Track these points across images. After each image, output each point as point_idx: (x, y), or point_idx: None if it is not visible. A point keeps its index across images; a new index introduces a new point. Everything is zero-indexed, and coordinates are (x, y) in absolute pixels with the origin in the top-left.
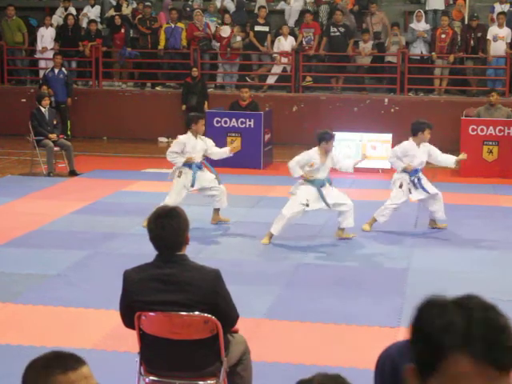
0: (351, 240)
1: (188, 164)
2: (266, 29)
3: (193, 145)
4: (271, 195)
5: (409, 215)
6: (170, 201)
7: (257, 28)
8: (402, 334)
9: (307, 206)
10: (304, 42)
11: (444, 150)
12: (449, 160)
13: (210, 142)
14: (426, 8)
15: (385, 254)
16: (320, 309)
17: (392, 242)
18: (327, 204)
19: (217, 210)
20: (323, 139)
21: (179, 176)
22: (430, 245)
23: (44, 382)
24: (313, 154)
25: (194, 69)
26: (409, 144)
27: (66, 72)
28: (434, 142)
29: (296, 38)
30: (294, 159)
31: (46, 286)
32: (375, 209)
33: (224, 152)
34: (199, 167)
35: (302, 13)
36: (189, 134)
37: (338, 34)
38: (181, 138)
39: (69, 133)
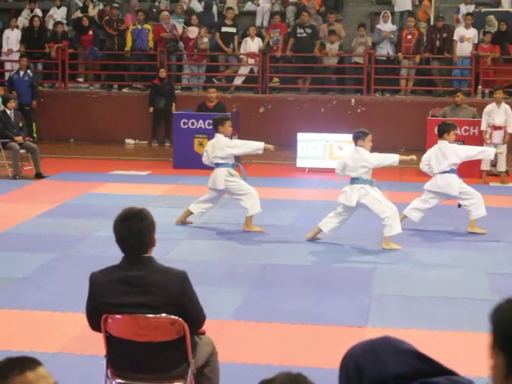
0: (319, 240)
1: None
2: (234, 30)
3: None
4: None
5: (376, 215)
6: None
7: (224, 29)
8: (368, 333)
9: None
10: (271, 43)
11: (410, 149)
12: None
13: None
14: (395, 9)
15: (352, 253)
16: (287, 309)
17: (359, 241)
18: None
19: (249, 217)
20: (358, 138)
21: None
22: (396, 243)
23: None
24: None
25: (162, 70)
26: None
27: (31, 74)
28: (400, 142)
29: (263, 39)
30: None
31: (12, 290)
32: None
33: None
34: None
35: (273, 14)
36: (218, 136)
37: (304, 35)
38: (209, 143)
39: (35, 135)
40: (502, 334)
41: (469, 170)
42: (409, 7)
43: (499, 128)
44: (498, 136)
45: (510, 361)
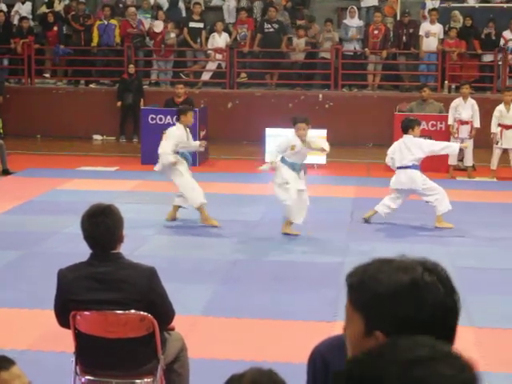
0: (287, 235)
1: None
2: (201, 25)
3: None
4: (207, 191)
5: (344, 210)
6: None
7: (191, 24)
8: (337, 328)
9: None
10: (238, 38)
11: (378, 145)
12: None
13: None
14: (361, 5)
15: (320, 248)
16: (257, 305)
17: (327, 236)
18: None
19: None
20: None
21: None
22: (364, 239)
23: None
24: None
25: (131, 65)
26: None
27: None
28: (367, 137)
29: (230, 34)
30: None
31: None
32: (311, 204)
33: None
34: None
35: (239, 10)
36: (178, 125)
37: (271, 30)
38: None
39: (1, 131)
40: (361, 296)
41: (436, 165)
42: (375, 2)
43: (466, 123)
44: (464, 131)
45: (369, 321)
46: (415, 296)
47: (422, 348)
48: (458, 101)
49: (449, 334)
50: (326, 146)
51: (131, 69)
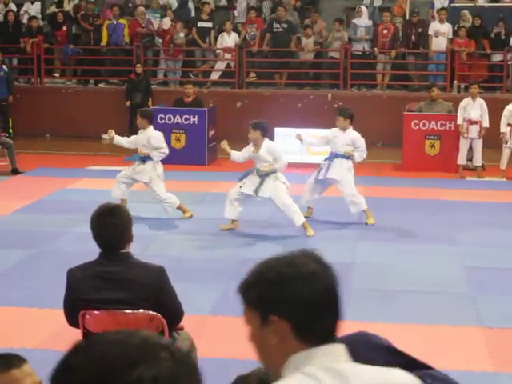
0: (296, 235)
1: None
2: (210, 25)
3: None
4: (216, 191)
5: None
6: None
7: (200, 24)
8: (346, 327)
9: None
10: (248, 38)
11: (387, 144)
12: None
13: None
14: (363, 4)
15: (329, 248)
16: None
17: (337, 236)
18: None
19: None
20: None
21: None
22: (373, 239)
23: None
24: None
25: (138, 65)
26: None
27: (6, 69)
28: (376, 137)
29: (239, 34)
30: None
31: None
32: (320, 204)
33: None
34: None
35: (249, 9)
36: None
37: (281, 29)
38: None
39: (11, 131)
40: (252, 293)
41: (445, 165)
42: (379, 3)
43: (475, 122)
44: (473, 130)
45: (263, 311)
46: (306, 282)
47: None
48: (466, 100)
49: (335, 317)
50: (278, 165)
51: (138, 68)
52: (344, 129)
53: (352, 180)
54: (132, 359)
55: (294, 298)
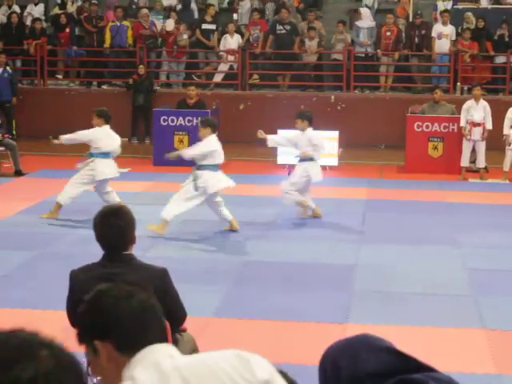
0: (299, 237)
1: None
2: (213, 27)
3: None
4: (219, 193)
5: (356, 211)
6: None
7: (204, 26)
8: (349, 329)
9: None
10: (251, 39)
11: (390, 146)
12: None
13: None
14: (368, 3)
15: (333, 250)
16: (268, 306)
17: (339, 238)
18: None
19: None
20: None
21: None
22: (377, 241)
23: None
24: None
25: (141, 66)
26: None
27: (10, 71)
28: (379, 139)
29: (242, 35)
30: None
31: None
32: (323, 206)
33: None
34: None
35: (252, 11)
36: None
37: (283, 31)
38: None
39: (14, 132)
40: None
41: (448, 167)
42: (381, 5)
43: (478, 124)
44: (477, 132)
45: (116, 342)
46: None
47: None
48: (470, 102)
49: (154, 326)
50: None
51: (141, 69)
52: (303, 130)
53: (297, 180)
54: (7, 361)
55: (107, 322)
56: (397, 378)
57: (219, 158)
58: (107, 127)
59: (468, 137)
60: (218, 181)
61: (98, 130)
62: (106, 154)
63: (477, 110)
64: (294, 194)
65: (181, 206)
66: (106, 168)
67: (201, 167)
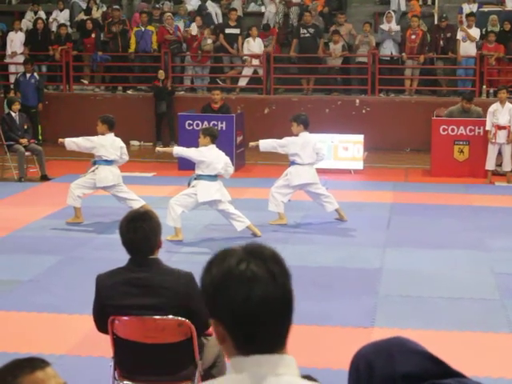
0: (324, 241)
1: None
2: (237, 31)
3: None
4: (244, 197)
5: (381, 215)
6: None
7: (228, 30)
8: (375, 333)
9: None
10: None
11: (415, 150)
12: None
13: None
14: (394, 8)
15: (358, 254)
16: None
17: (365, 242)
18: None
19: None
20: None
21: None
22: (402, 245)
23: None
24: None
25: (160, 71)
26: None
27: (37, 77)
28: (405, 142)
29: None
30: None
31: (18, 292)
32: (348, 210)
33: None
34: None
35: (264, 27)
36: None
37: (307, 35)
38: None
39: (40, 137)
40: (213, 305)
41: (474, 170)
42: (403, 8)
43: (503, 128)
44: (502, 136)
45: (226, 327)
46: (241, 290)
47: None
48: (495, 106)
49: (276, 328)
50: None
51: (161, 75)
52: (297, 134)
53: (281, 182)
54: None
55: (225, 305)
56: (429, 382)
57: (213, 169)
58: (111, 135)
59: (493, 140)
60: (207, 192)
61: (102, 138)
62: (109, 162)
63: (502, 114)
64: (279, 199)
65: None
66: (109, 175)
67: (198, 177)
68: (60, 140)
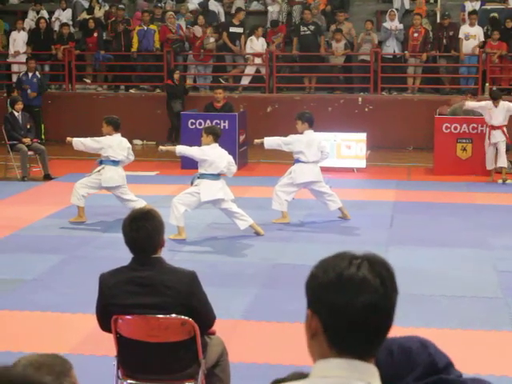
0: (327, 239)
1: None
2: (241, 30)
3: None
4: (247, 196)
5: (384, 213)
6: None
7: (232, 29)
8: None
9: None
10: (275, 47)
11: (418, 148)
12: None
13: None
14: (397, 6)
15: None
16: (297, 309)
17: (368, 240)
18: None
19: None
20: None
21: None
22: (405, 243)
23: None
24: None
25: (177, 72)
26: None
27: (39, 76)
28: (408, 141)
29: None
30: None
31: (22, 291)
32: (351, 208)
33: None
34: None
35: (272, 24)
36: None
37: (308, 32)
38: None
39: (43, 136)
40: (314, 298)
41: (477, 168)
42: (407, 6)
43: (498, 127)
44: (497, 135)
45: (322, 322)
46: (347, 291)
47: None
48: (490, 104)
49: (373, 335)
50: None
51: (177, 75)
52: (302, 132)
53: (286, 181)
54: None
55: (328, 300)
56: (437, 377)
57: (216, 167)
58: (118, 135)
59: (487, 140)
60: (210, 191)
61: (109, 139)
62: (115, 162)
63: (496, 114)
64: (282, 198)
65: (180, 207)
66: (115, 175)
67: (201, 176)
68: (68, 139)
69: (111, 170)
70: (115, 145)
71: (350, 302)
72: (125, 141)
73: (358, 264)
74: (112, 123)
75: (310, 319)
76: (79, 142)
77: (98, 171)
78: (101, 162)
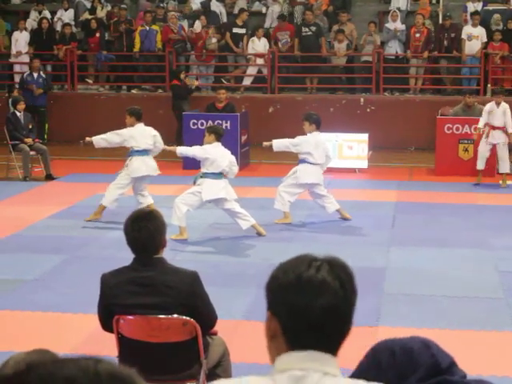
0: (329, 239)
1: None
2: (243, 31)
3: None
4: (249, 196)
5: (385, 214)
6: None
7: (235, 30)
8: (380, 333)
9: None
10: (280, 45)
11: (420, 148)
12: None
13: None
14: (399, 7)
15: (362, 253)
16: None
17: (369, 241)
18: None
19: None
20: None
21: None
22: (407, 244)
23: None
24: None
25: (183, 72)
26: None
27: (44, 76)
28: (409, 141)
29: (269, 39)
30: None
31: (23, 291)
32: (352, 209)
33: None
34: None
35: (279, 18)
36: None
37: (309, 33)
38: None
39: (45, 137)
40: (273, 300)
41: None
42: (408, 7)
43: (498, 128)
44: (496, 136)
45: (281, 324)
46: (306, 293)
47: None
48: (491, 106)
49: (332, 337)
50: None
51: (183, 75)
52: (309, 133)
53: (290, 181)
54: None
55: (287, 302)
56: (441, 378)
57: (217, 166)
58: (141, 125)
59: (485, 139)
60: (212, 190)
61: (130, 130)
62: (142, 152)
63: (497, 115)
64: (286, 198)
65: (182, 207)
66: (142, 165)
67: (203, 175)
68: (87, 139)
69: (138, 160)
70: (137, 134)
71: (309, 304)
72: (149, 129)
73: (317, 266)
74: (134, 113)
75: (269, 321)
76: (100, 139)
77: (127, 166)
78: (130, 155)
